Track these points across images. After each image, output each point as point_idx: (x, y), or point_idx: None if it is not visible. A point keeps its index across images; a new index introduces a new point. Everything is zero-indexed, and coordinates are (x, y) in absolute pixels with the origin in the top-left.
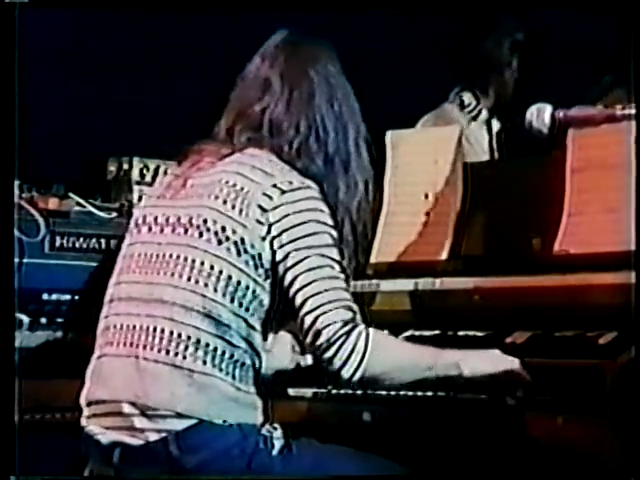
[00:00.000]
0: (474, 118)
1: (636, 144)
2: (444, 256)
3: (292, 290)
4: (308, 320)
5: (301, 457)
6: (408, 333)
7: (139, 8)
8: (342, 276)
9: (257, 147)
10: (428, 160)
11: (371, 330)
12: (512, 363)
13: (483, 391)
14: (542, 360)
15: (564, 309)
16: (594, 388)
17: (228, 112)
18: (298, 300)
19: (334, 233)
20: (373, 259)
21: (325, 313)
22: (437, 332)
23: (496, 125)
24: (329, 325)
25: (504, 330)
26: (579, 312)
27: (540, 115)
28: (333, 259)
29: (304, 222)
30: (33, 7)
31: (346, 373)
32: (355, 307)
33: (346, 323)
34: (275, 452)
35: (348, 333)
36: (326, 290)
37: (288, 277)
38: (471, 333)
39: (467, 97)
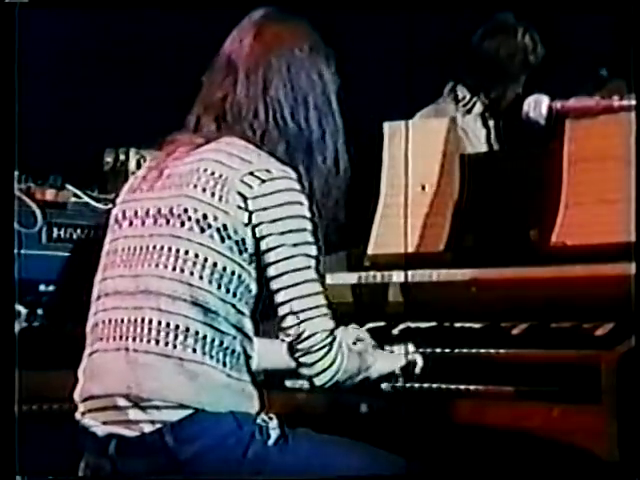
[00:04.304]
0: (469, 111)
1: (636, 136)
2: (441, 247)
3: (274, 286)
4: (290, 321)
5: (297, 447)
6: (404, 325)
7: (137, 7)
8: (319, 277)
9: (228, 135)
10: (425, 151)
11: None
12: (411, 355)
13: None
14: (539, 351)
15: (561, 300)
16: (590, 379)
17: (198, 100)
18: (280, 298)
19: (311, 228)
20: (370, 251)
21: (310, 320)
22: (434, 324)
23: (491, 117)
24: (315, 334)
25: (501, 321)
26: (576, 303)
27: (537, 106)
28: (314, 257)
29: (286, 217)
30: (33, 7)
31: (319, 381)
32: (331, 313)
33: (329, 333)
34: (271, 442)
35: (331, 344)
36: (309, 295)
37: (270, 272)
38: (468, 325)
39: (461, 91)
